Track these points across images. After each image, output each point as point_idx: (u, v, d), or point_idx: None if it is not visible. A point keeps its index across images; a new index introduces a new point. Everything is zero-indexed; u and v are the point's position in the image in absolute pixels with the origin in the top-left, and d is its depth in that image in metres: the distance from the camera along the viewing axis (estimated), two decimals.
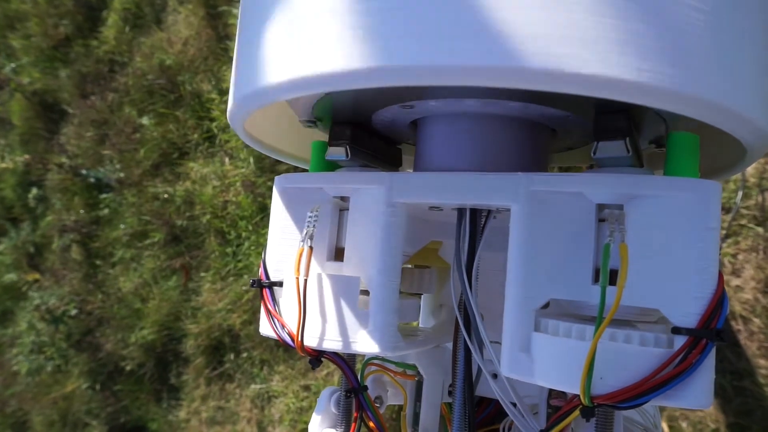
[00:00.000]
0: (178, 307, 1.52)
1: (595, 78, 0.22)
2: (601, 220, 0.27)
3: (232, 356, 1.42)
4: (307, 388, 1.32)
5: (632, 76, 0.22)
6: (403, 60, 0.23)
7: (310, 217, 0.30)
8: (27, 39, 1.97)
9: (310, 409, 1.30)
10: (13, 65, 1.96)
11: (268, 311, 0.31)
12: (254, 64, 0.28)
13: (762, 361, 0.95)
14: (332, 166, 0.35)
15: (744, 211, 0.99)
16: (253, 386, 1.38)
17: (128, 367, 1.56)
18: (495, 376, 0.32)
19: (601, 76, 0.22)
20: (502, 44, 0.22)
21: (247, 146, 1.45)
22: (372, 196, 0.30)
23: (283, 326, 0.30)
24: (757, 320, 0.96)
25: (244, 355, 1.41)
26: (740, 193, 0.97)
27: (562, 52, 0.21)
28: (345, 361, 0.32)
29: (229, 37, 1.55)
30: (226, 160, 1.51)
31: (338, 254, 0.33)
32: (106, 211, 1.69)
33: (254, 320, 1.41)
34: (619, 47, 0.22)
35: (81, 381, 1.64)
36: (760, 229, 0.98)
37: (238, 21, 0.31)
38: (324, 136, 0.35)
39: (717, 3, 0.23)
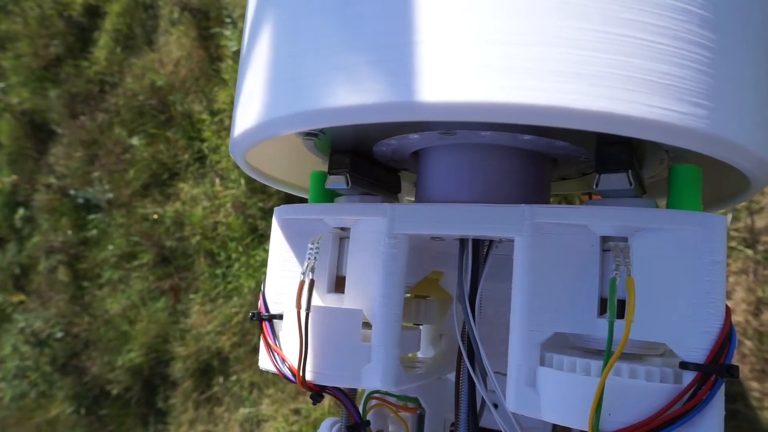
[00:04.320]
0: (167, 330, 1.50)
1: (603, 115, 0.22)
2: (605, 250, 0.27)
3: (221, 379, 1.40)
4: (297, 411, 1.30)
5: (640, 112, 0.22)
6: (399, 97, 0.23)
7: (311, 249, 0.30)
8: (17, 59, 1.97)
9: None
10: (2, 85, 1.95)
11: (268, 345, 0.31)
12: (255, 99, 0.28)
13: (754, 384, 0.95)
14: (331, 195, 0.35)
15: (734, 233, 1.00)
16: (242, 410, 1.35)
17: (114, 391, 1.53)
18: (496, 406, 0.31)
19: (609, 112, 0.22)
20: (516, 81, 0.22)
21: (237, 167, 1.45)
22: (373, 228, 0.30)
23: (283, 360, 0.30)
24: (748, 342, 0.96)
25: (233, 378, 1.39)
26: (730, 216, 0.98)
27: (571, 88, 0.21)
28: (347, 395, 0.32)
29: (221, 59, 1.55)
30: (217, 180, 1.50)
31: (338, 283, 0.33)
32: (94, 231, 1.68)
33: (243, 342, 1.39)
34: (626, 84, 0.22)
35: (66, 405, 1.61)
36: (749, 251, 0.98)
37: (241, 55, 0.31)
38: (324, 166, 0.35)
39: (723, 40, 0.24)
